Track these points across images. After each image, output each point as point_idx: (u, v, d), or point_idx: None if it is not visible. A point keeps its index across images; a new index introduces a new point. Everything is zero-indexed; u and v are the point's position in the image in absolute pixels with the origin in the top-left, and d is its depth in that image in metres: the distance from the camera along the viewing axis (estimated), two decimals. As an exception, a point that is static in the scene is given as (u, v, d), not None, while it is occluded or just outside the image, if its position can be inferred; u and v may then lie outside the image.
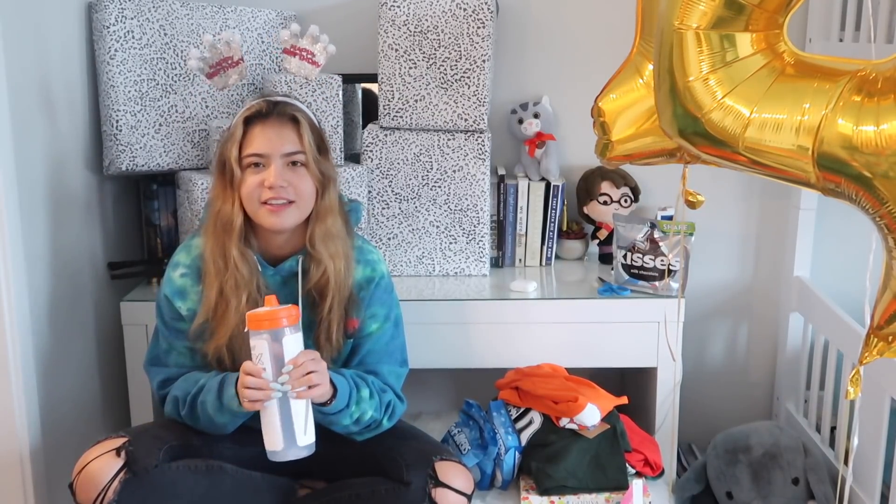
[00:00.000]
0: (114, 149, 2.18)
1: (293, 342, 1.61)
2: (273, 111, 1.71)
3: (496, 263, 2.50)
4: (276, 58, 2.40)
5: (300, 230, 1.76)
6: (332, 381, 1.66)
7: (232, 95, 2.33)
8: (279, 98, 1.75)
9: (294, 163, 1.71)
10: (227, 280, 1.70)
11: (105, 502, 1.60)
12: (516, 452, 2.03)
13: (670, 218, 2.34)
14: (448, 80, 2.27)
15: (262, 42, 2.37)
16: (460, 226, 2.36)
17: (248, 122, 1.70)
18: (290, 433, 1.59)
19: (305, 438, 1.61)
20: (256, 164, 1.70)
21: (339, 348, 1.78)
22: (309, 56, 1.80)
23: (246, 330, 1.61)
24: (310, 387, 1.59)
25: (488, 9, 2.23)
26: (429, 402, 2.66)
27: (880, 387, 1.95)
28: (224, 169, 1.71)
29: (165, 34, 2.22)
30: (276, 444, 1.59)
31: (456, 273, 2.40)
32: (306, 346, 1.68)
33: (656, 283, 2.24)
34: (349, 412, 1.70)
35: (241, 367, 1.61)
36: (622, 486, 1.99)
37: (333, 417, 1.69)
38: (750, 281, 2.72)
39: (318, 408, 1.66)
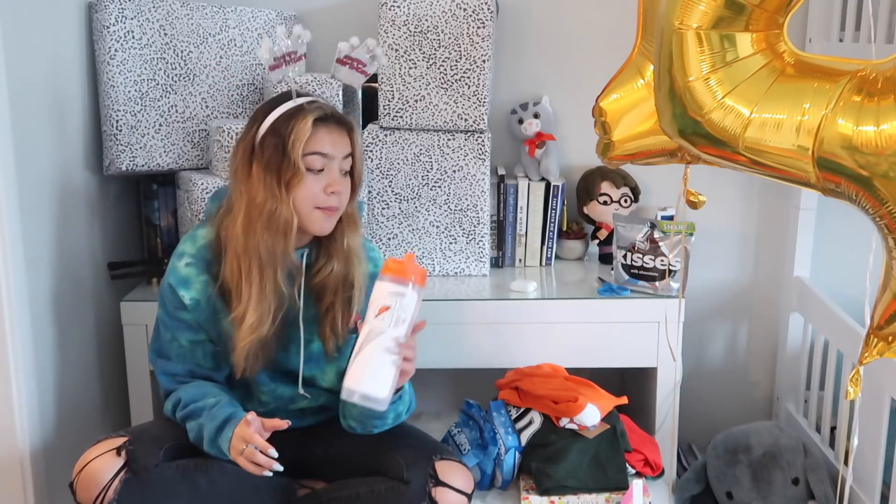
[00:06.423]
0: (114, 149, 2.19)
1: (415, 301, 1.61)
2: (333, 116, 1.71)
3: (496, 263, 2.50)
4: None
5: None
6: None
7: (232, 95, 2.33)
8: (313, 98, 1.74)
9: (343, 170, 1.72)
10: (278, 277, 1.70)
11: (105, 502, 1.60)
12: (516, 452, 2.03)
13: (670, 218, 2.34)
14: (448, 80, 2.27)
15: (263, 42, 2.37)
16: (460, 226, 2.36)
17: (316, 122, 1.68)
18: (375, 380, 1.56)
19: (382, 392, 1.57)
20: (314, 169, 1.69)
21: (345, 341, 1.78)
22: (360, 66, 1.81)
23: (383, 276, 1.58)
24: (406, 359, 1.60)
25: (488, 9, 2.23)
26: (429, 402, 2.66)
27: (880, 387, 1.95)
28: (280, 168, 1.66)
29: (165, 34, 2.22)
30: (357, 383, 1.56)
31: (456, 273, 2.40)
32: (310, 339, 1.76)
33: (656, 283, 2.24)
34: (396, 409, 1.74)
35: (239, 431, 1.61)
36: (622, 486, 1.99)
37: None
38: (750, 281, 2.72)
39: None
